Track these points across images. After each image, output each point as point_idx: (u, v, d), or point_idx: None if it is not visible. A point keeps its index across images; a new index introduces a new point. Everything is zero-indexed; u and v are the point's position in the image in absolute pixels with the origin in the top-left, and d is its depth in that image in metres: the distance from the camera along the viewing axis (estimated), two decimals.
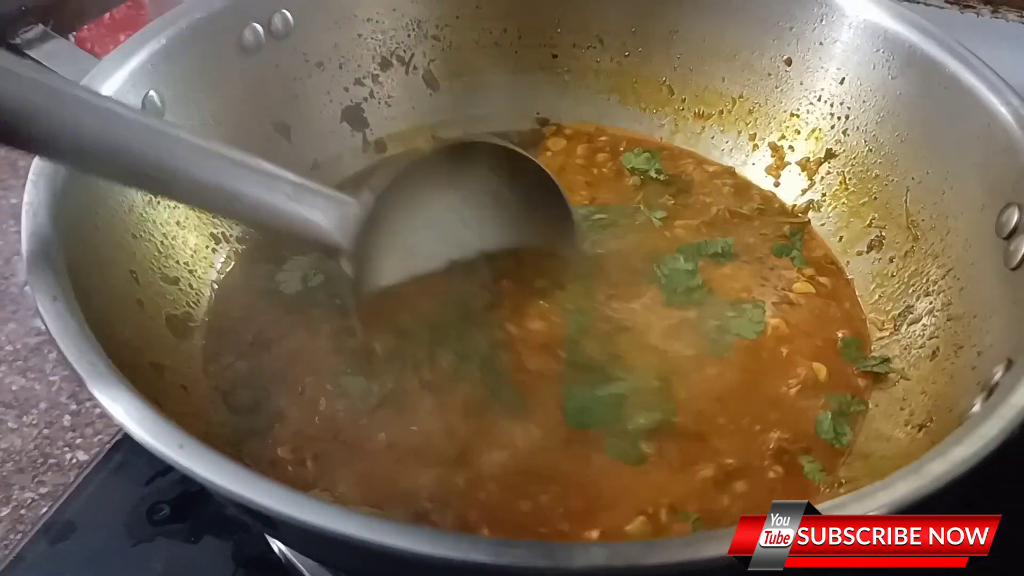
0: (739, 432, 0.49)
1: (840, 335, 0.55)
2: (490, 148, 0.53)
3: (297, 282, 0.55)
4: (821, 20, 0.60)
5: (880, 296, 0.57)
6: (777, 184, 0.65)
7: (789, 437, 0.49)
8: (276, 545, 0.52)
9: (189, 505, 0.55)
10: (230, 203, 0.44)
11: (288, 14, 0.59)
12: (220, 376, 0.51)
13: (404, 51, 0.66)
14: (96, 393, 0.36)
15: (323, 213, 0.45)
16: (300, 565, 0.52)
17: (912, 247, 0.56)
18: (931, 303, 0.53)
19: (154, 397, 0.37)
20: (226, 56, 0.57)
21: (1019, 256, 0.45)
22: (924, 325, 0.52)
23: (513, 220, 0.54)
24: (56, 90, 0.39)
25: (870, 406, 0.52)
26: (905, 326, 0.54)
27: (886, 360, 0.53)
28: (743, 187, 0.65)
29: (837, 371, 0.53)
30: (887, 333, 0.55)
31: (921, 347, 0.52)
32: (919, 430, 0.46)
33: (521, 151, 0.54)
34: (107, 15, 0.72)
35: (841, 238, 0.61)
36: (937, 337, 0.51)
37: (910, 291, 0.55)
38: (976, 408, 0.40)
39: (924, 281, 0.54)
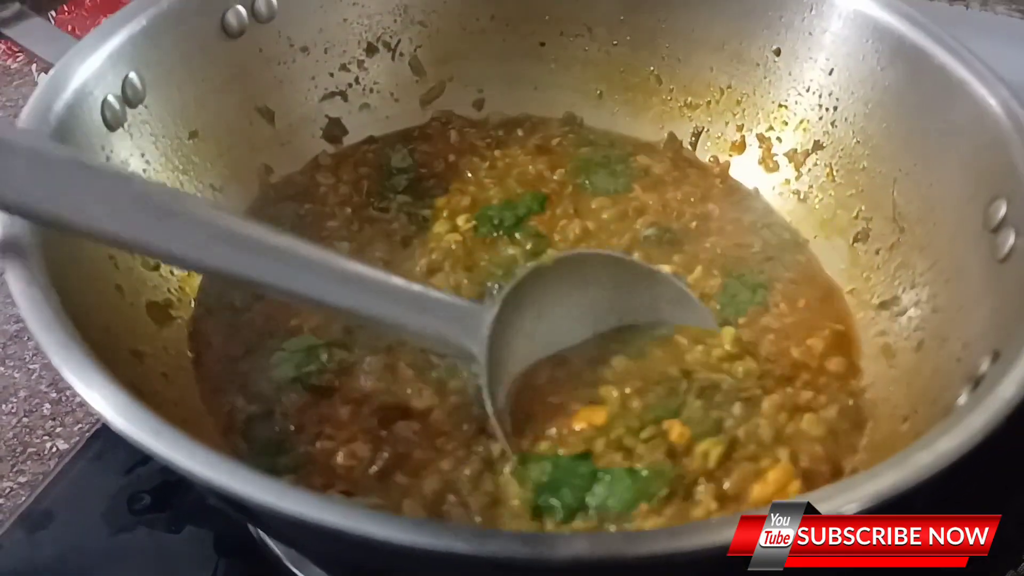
0: None
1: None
2: (610, 260, 0.54)
3: (291, 370, 0.51)
4: (811, 10, 0.60)
5: (865, 286, 0.57)
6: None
7: None
8: (258, 534, 0.52)
9: (170, 494, 0.54)
10: (357, 319, 0.47)
11: None
12: (228, 415, 0.48)
13: (390, 37, 0.65)
14: (72, 381, 0.35)
15: (450, 323, 0.46)
16: (282, 555, 0.51)
17: (898, 239, 0.55)
18: (917, 295, 0.53)
19: (133, 385, 0.36)
20: (209, 39, 0.56)
21: (1006, 248, 0.45)
22: (910, 317, 0.52)
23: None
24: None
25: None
26: (890, 316, 0.54)
27: None
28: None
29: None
30: (869, 317, 0.55)
31: (907, 339, 0.52)
32: (903, 421, 0.46)
33: (645, 265, 0.55)
34: None
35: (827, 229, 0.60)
36: (923, 329, 0.51)
37: (896, 283, 0.55)
38: (962, 400, 0.40)
39: (910, 273, 0.54)
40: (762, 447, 0.47)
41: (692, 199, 0.63)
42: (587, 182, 0.63)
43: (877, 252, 0.57)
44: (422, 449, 0.46)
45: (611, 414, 0.48)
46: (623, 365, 0.51)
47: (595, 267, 0.53)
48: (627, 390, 0.49)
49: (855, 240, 0.58)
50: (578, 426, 0.48)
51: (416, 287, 0.46)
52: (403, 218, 0.60)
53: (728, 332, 0.53)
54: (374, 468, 0.46)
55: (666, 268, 0.57)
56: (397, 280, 0.45)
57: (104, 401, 0.34)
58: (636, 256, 0.58)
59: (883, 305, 0.55)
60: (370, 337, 0.52)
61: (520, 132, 0.67)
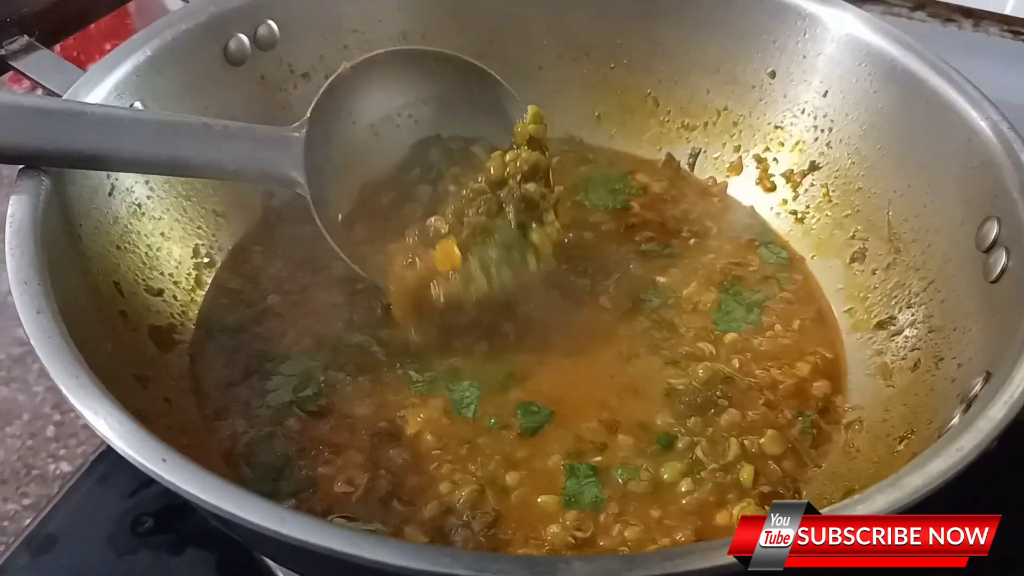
0: None
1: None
2: (416, 54, 0.56)
3: (288, 394, 0.51)
4: (804, 33, 0.61)
5: (862, 306, 0.57)
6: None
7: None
8: (260, 557, 0.52)
9: (173, 517, 0.54)
10: (183, 170, 0.48)
11: (274, 25, 0.59)
12: (230, 439, 0.49)
13: None
14: (78, 406, 0.36)
15: (266, 153, 0.48)
16: None
17: (894, 259, 0.56)
18: (912, 315, 0.53)
19: (137, 410, 0.37)
20: (212, 67, 0.57)
21: (998, 269, 0.46)
22: (906, 337, 0.53)
23: (454, 110, 0.56)
24: None
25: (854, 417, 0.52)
26: (886, 336, 0.54)
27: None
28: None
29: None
30: (866, 336, 0.55)
31: (903, 359, 0.52)
32: (900, 442, 0.47)
33: (446, 52, 0.56)
34: (93, 25, 0.72)
35: (824, 249, 0.61)
36: (919, 349, 0.51)
37: (892, 303, 0.55)
38: (955, 421, 0.41)
39: (906, 293, 0.54)
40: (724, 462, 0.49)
41: (690, 216, 0.64)
42: (587, 199, 0.64)
43: (873, 272, 0.57)
44: (416, 475, 0.47)
45: (461, 245, 0.51)
46: (428, 194, 0.54)
47: (401, 66, 0.55)
48: (448, 214, 0.52)
49: (852, 260, 0.59)
50: (442, 268, 0.51)
51: (227, 123, 0.49)
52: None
53: (532, 111, 0.55)
54: (373, 496, 0.46)
55: (662, 280, 0.58)
56: (207, 121, 0.48)
57: (109, 427, 0.35)
58: (632, 267, 0.59)
59: (880, 325, 0.55)
60: (358, 356, 0.52)
61: None
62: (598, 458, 0.48)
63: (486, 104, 0.56)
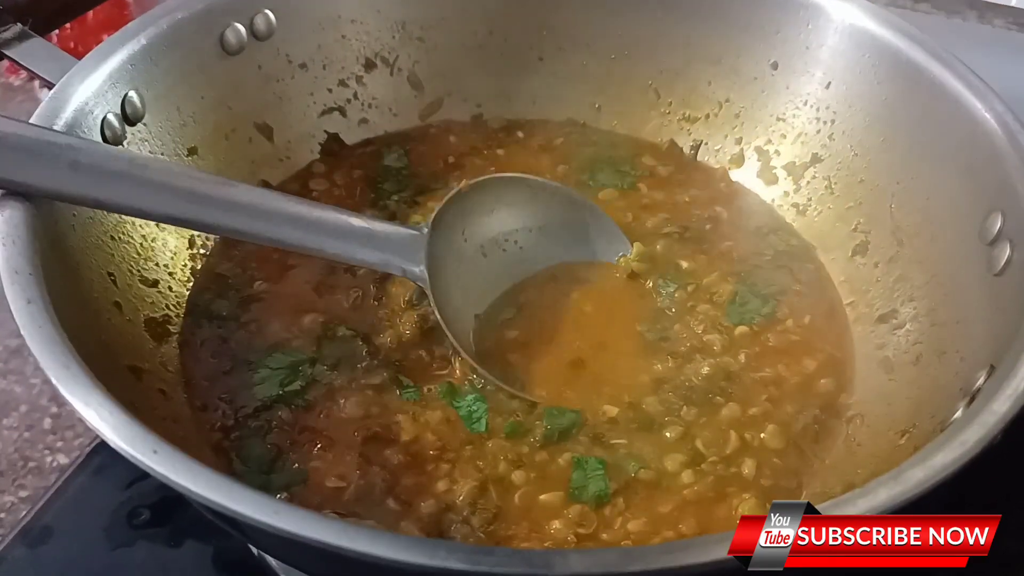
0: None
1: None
2: (528, 183, 0.59)
3: (275, 387, 0.51)
4: (807, 24, 0.60)
5: (864, 299, 0.57)
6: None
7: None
8: (257, 550, 0.52)
9: (170, 509, 0.54)
10: (313, 253, 0.50)
11: (271, 14, 0.59)
12: (220, 431, 0.48)
13: (388, 52, 0.65)
14: (68, 396, 0.35)
15: (394, 249, 0.51)
16: (279, 570, 0.51)
17: (897, 252, 0.56)
18: (915, 308, 0.53)
19: (131, 401, 0.37)
20: (208, 56, 0.57)
21: (1002, 262, 0.46)
22: (908, 330, 0.52)
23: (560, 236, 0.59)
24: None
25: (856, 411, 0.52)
26: (888, 329, 0.54)
27: None
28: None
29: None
30: (867, 330, 0.55)
31: (905, 352, 0.52)
32: (902, 436, 0.46)
33: (556, 184, 0.59)
34: (89, 14, 0.72)
35: (827, 242, 0.61)
36: (921, 343, 0.51)
37: (895, 296, 0.55)
38: (958, 414, 0.40)
39: (908, 286, 0.54)
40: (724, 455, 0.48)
41: (700, 201, 0.64)
42: (592, 179, 0.64)
43: (876, 265, 0.57)
44: (412, 475, 0.47)
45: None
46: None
47: (513, 191, 0.58)
48: None
49: (854, 253, 0.58)
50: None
51: (363, 222, 0.51)
52: (401, 217, 0.60)
53: (637, 249, 0.57)
54: (367, 492, 0.46)
55: (684, 264, 0.58)
56: (345, 217, 0.50)
57: (100, 418, 0.35)
58: (659, 247, 0.59)
59: (882, 318, 0.55)
60: (344, 351, 0.52)
61: (521, 134, 0.68)
62: (617, 441, 0.48)
63: (590, 236, 0.59)
